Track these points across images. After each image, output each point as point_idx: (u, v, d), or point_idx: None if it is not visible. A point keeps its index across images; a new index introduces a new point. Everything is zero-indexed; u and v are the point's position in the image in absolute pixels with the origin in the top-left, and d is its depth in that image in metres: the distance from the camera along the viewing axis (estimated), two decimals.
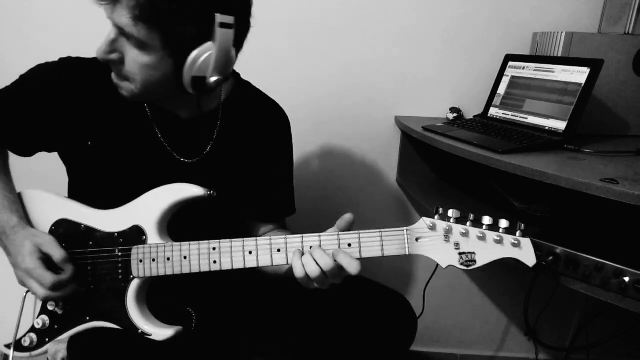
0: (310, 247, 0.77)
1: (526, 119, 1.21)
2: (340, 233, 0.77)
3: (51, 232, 0.86)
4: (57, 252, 0.80)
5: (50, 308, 0.86)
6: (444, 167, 1.50)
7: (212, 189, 0.85)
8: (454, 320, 1.73)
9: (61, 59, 0.88)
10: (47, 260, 0.81)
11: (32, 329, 0.87)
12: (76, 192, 0.94)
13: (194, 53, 0.74)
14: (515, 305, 1.70)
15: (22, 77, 0.88)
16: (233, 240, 0.80)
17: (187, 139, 0.91)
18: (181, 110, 0.90)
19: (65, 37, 1.39)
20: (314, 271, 0.74)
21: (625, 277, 0.77)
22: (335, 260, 0.74)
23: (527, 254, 0.72)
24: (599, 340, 1.04)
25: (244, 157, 0.96)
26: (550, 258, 0.86)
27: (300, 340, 0.97)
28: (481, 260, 0.73)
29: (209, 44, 0.74)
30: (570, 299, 1.63)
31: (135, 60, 0.75)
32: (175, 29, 0.71)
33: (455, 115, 1.41)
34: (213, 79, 0.77)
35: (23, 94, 0.86)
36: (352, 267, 0.73)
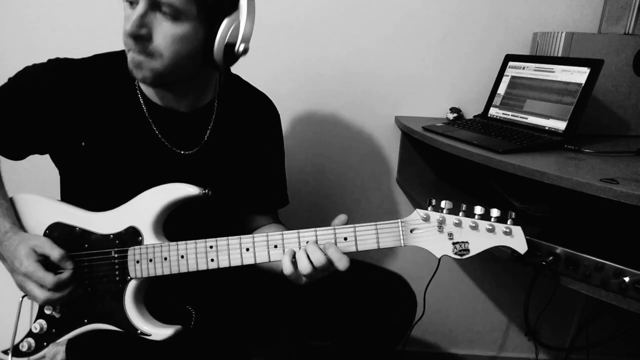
0: (307, 242, 0.77)
1: (526, 119, 1.20)
2: (336, 227, 0.78)
3: (45, 236, 0.85)
4: (54, 251, 0.80)
5: (47, 312, 0.86)
6: (444, 167, 1.50)
7: (210, 179, 0.85)
8: (454, 320, 1.73)
9: (49, 60, 0.88)
10: (44, 262, 0.80)
11: (30, 334, 0.86)
12: (70, 194, 0.94)
13: (226, 20, 0.79)
14: (515, 305, 1.70)
15: (10, 79, 0.87)
16: (230, 237, 0.80)
17: (184, 132, 0.92)
18: (182, 101, 0.91)
19: (64, 37, 1.39)
20: (305, 267, 0.75)
21: (625, 277, 0.77)
22: (325, 255, 0.75)
23: (518, 241, 0.73)
24: (599, 340, 1.04)
25: (238, 147, 0.97)
26: (550, 258, 0.86)
27: (299, 335, 0.97)
28: (474, 249, 0.75)
29: (236, 12, 0.80)
30: (570, 299, 1.63)
31: (167, 32, 0.75)
32: None
33: (455, 115, 1.41)
34: (241, 47, 0.81)
35: (11, 96, 0.85)
36: (342, 263, 0.75)
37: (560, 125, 1.11)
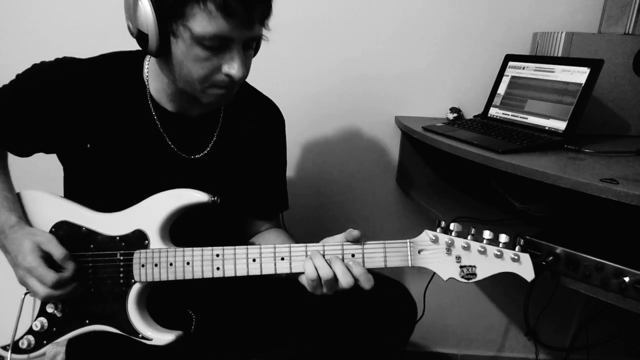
0: (328, 256, 0.77)
1: (526, 119, 1.20)
2: (345, 243, 0.78)
3: (51, 234, 0.85)
4: (57, 250, 0.80)
5: (49, 310, 0.86)
6: (444, 167, 1.50)
7: (216, 183, 0.85)
8: (454, 320, 1.73)
9: (57, 59, 0.87)
10: (48, 259, 0.80)
11: (30, 331, 0.86)
12: (74, 193, 0.93)
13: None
14: (515, 305, 1.70)
15: (18, 76, 0.87)
16: (237, 247, 0.80)
17: (192, 136, 0.92)
18: (196, 108, 0.91)
19: (65, 37, 1.39)
20: (327, 273, 0.75)
21: (625, 277, 0.77)
22: (350, 271, 0.75)
23: (525, 268, 0.74)
24: (599, 340, 1.04)
25: (244, 152, 0.97)
26: (550, 258, 0.86)
27: (299, 340, 0.97)
28: (481, 274, 0.75)
29: None
30: (570, 299, 1.63)
31: (250, 61, 0.83)
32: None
33: (455, 115, 1.41)
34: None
35: (20, 93, 0.85)
36: (367, 284, 0.76)
37: (560, 125, 1.11)
